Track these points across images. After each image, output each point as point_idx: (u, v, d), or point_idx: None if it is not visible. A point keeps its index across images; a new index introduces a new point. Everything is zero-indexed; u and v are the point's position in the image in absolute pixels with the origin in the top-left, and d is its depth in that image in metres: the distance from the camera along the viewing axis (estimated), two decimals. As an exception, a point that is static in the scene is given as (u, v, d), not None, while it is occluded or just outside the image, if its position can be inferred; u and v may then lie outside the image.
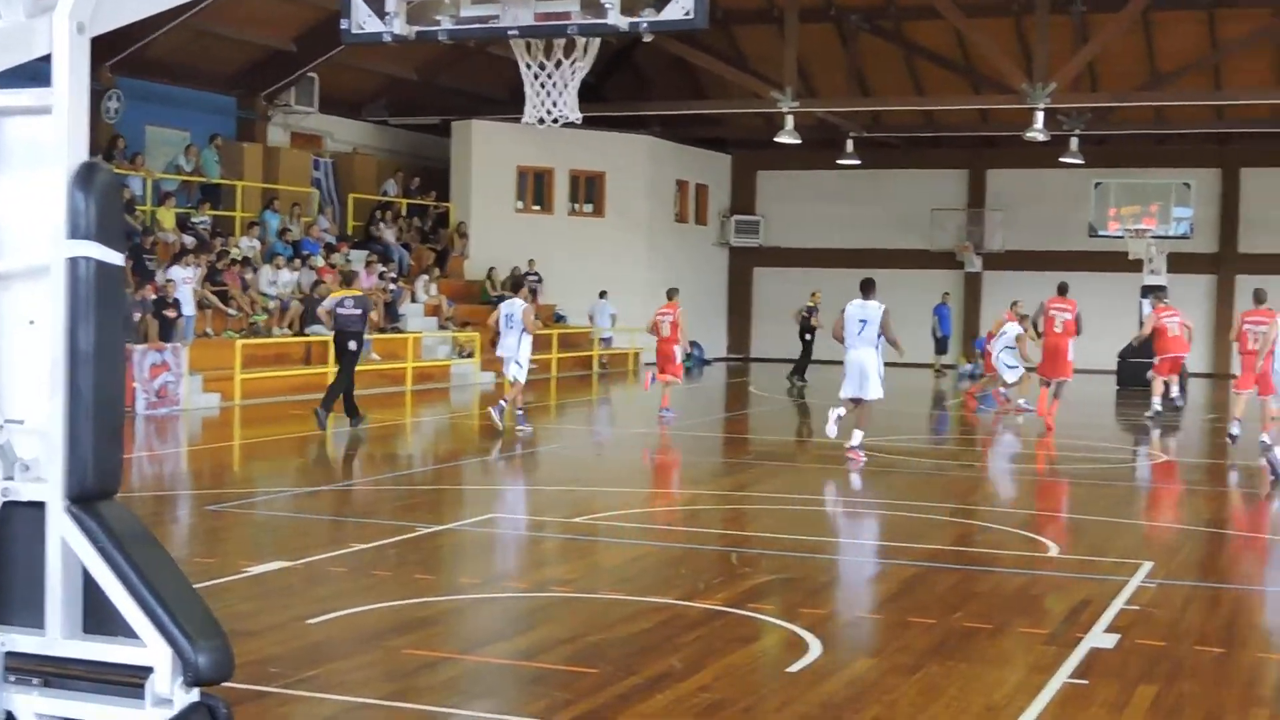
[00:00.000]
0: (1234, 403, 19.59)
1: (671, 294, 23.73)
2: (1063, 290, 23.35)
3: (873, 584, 10.12)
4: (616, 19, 10.12)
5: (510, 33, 6.83)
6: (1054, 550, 11.67)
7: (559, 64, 9.44)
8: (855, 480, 16.17)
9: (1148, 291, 32.40)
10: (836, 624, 8.92)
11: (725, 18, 34.95)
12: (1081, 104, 32.24)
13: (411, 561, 10.77)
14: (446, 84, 34.55)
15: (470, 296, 34.00)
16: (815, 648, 8.20)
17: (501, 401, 20.26)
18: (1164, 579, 10.44)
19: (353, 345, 20.16)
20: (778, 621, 8.92)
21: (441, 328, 31.07)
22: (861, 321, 17.64)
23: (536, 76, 9.37)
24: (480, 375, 29.99)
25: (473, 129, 35.36)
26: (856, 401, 17.74)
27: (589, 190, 37.76)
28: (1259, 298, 19.92)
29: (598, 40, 13.62)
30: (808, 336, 32.39)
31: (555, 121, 9.04)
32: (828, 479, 16.50)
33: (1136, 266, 32.83)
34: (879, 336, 17.54)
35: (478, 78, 33.93)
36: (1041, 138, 29.27)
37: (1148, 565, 10.85)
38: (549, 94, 9.14)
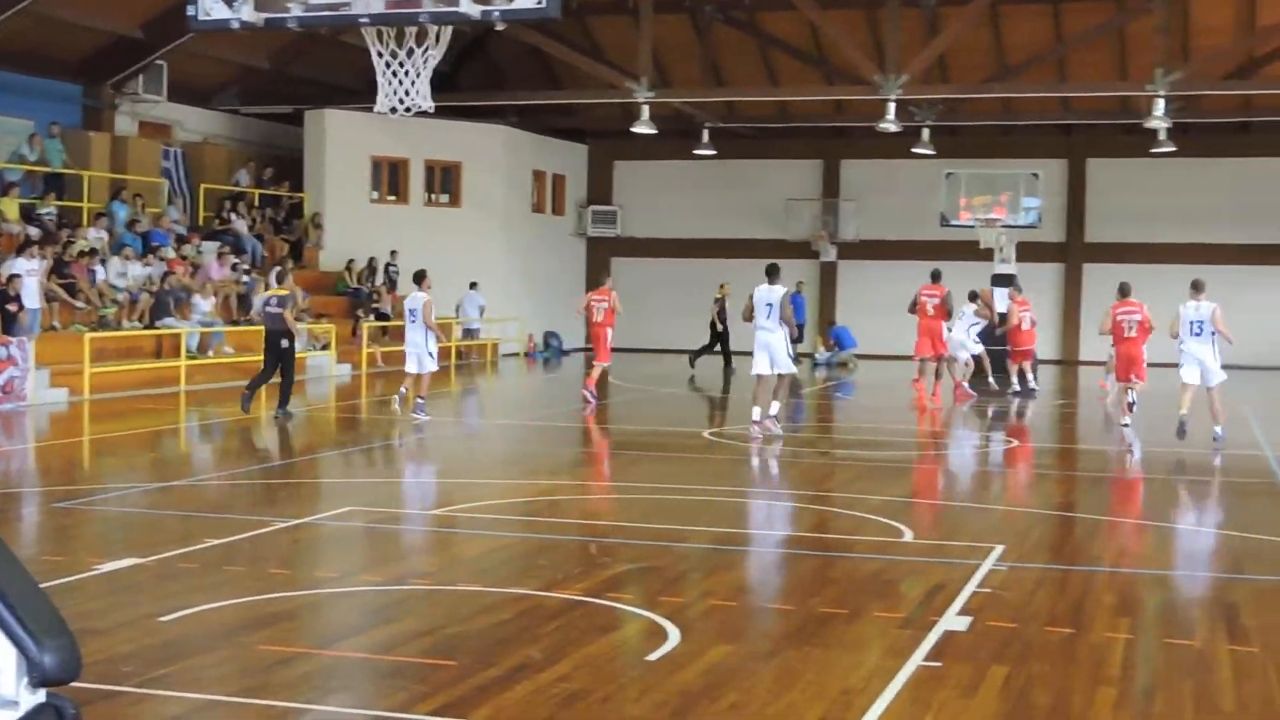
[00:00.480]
0: (1119, 393, 20.98)
1: (603, 280, 24.82)
2: (935, 277, 25.48)
3: (731, 571, 10.18)
4: (468, 8, 10.06)
5: (361, 21, 6.80)
6: (909, 535, 11.83)
7: (411, 53, 9.37)
8: (713, 469, 16.27)
9: (998, 280, 33.00)
10: (695, 612, 8.95)
11: (580, 8, 34.93)
12: (932, 95, 32.71)
13: (267, 557, 10.63)
14: (299, 72, 34.12)
15: (326, 288, 33.64)
16: (674, 636, 8.23)
17: (402, 388, 20.80)
18: (1015, 562, 10.64)
19: (284, 343, 20.62)
20: (637, 610, 8.94)
21: (297, 320, 30.66)
22: (768, 305, 19.30)
23: (389, 65, 9.29)
24: (336, 368, 29.69)
25: (326, 118, 34.97)
26: (767, 378, 19.10)
27: (445, 180, 37.54)
28: (1125, 290, 21.04)
29: (450, 29, 13.54)
30: (719, 326, 33.12)
31: (408, 110, 8.98)
32: (687, 468, 16.57)
33: (987, 255, 33.36)
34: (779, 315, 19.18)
35: (331, 66, 33.56)
36: (894, 129, 29.66)
37: (999, 548, 11.05)
38: (401, 83, 9.09)
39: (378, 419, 22.89)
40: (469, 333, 35.86)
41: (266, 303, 21.29)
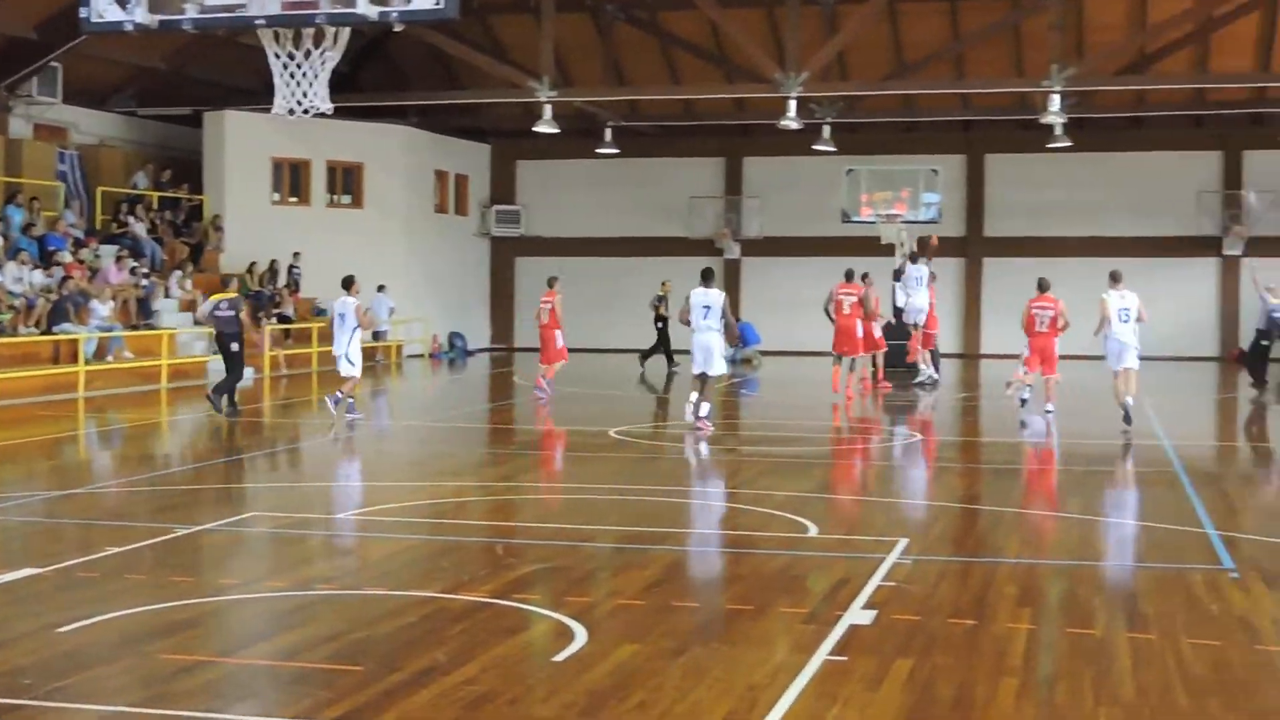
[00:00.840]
0: (1027, 379, 21.98)
1: (551, 282, 25.44)
2: (849, 276, 26.12)
3: (637, 570, 10.18)
4: (366, 9, 10.00)
5: (257, 23, 6.72)
6: (813, 530, 11.90)
7: (309, 54, 9.29)
8: (620, 468, 16.28)
9: (900, 275, 33.27)
10: (602, 611, 8.95)
11: (481, 7, 34.84)
12: (832, 93, 32.93)
13: (169, 564, 10.49)
14: (197, 74, 33.73)
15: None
16: (581, 636, 8.22)
17: (338, 393, 21.11)
18: (919, 555, 10.73)
19: (234, 346, 21.63)
20: (543, 611, 8.93)
21: (197, 323, 30.33)
22: (705, 307, 19.93)
23: (286, 67, 9.21)
24: (239, 371, 29.37)
25: (225, 120, 34.62)
26: (703, 378, 19.78)
27: (347, 181, 37.29)
28: (1042, 286, 21.94)
29: (348, 30, 13.45)
30: (659, 325, 33.40)
31: (306, 112, 8.91)
32: (594, 467, 16.57)
33: (889, 251, 33.65)
34: (721, 319, 19.87)
35: (229, 68, 33.20)
36: (795, 126, 29.81)
37: (904, 542, 11.14)
38: (299, 84, 9.00)
39: (281, 423, 22.70)
40: (378, 335, 35.66)
41: (216, 307, 21.85)
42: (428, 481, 15.23)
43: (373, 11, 10.45)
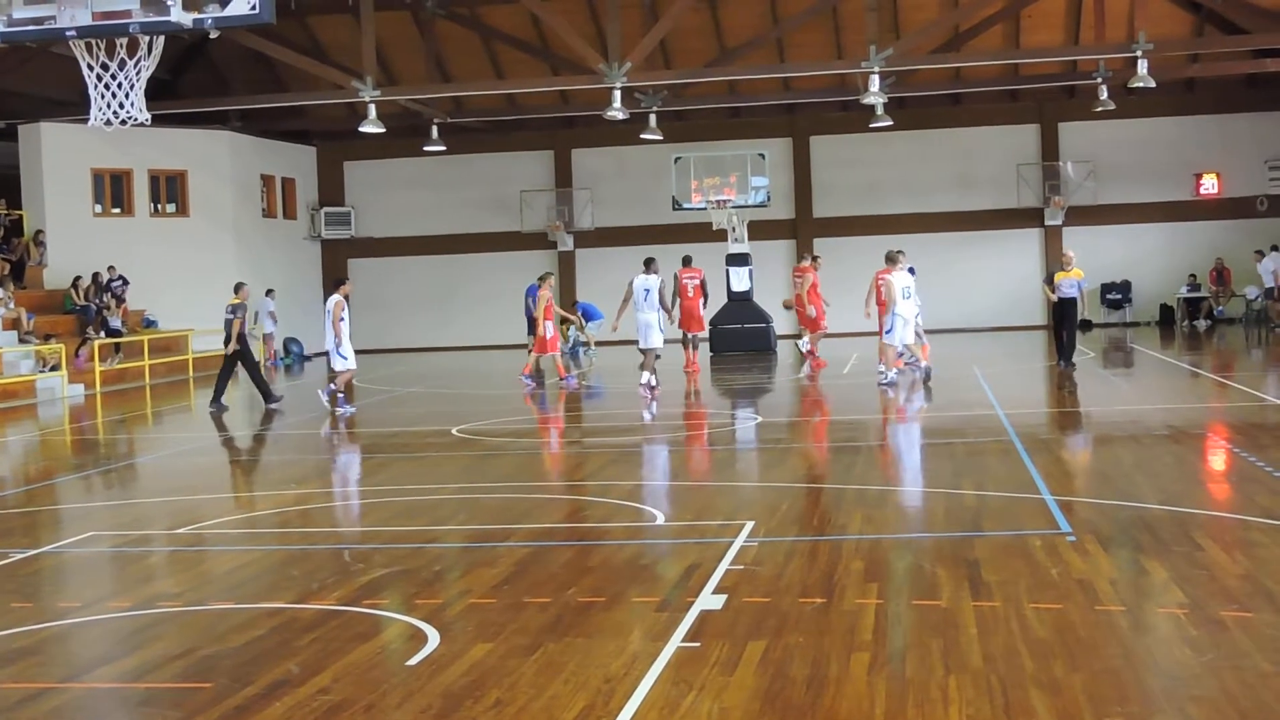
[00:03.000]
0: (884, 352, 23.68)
1: (544, 278, 26.78)
2: (688, 261, 28.21)
3: (487, 568, 10.12)
4: (180, 16, 9.76)
5: (68, 34, 6.52)
6: (661, 518, 11.94)
7: (123, 64, 9.05)
8: (464, 466, 16.20)
9: (733, 260, 33.55)
10: (453, 612, 8.89)
11: (300, 8, 34.37)
12: (656, 82, 33.08)
13: (6, 590, 10.19)
14: (10, 86, 32.84)
15: (53, 307, 32.50)
16: (434, 638, 8.16)
17: (330, 385, 22.72)
18: (766, 537, 10.82)
19: (227, 348, 24.09)
20: (395, 615, 8.84)
21: (22, 341, 29.58)
22: (646, 290, 24.45)
23: (100, 78, 8.96)
24: (69, 388, 28.69)
25: (42, 132, 33.78)
26: (645, 352, 23.97)
27: (170, 190, 36.60)
28: (891, 258, 23.86)
29: (163, 38, 13.17)
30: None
31: (124, 123, 8.68)
32: (437, 467, 16.46)
33: (721, 236, 33.93)
34: (659, 301, 24.19)
35: (43, 78, 32.37)
36: (621, 116, 29.88)
37: (750, 525, 11.22)
38: (115, 95, 8.76)
39: (115, 439, 22.20)
40: (266, 339, 36.25)
41: (226, 310, 24.36)
42: (271, 490, 15.00)
43: (186, 18, 10.21)
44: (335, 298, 22.77)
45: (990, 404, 20.06)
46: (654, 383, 23.42)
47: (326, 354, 23.06)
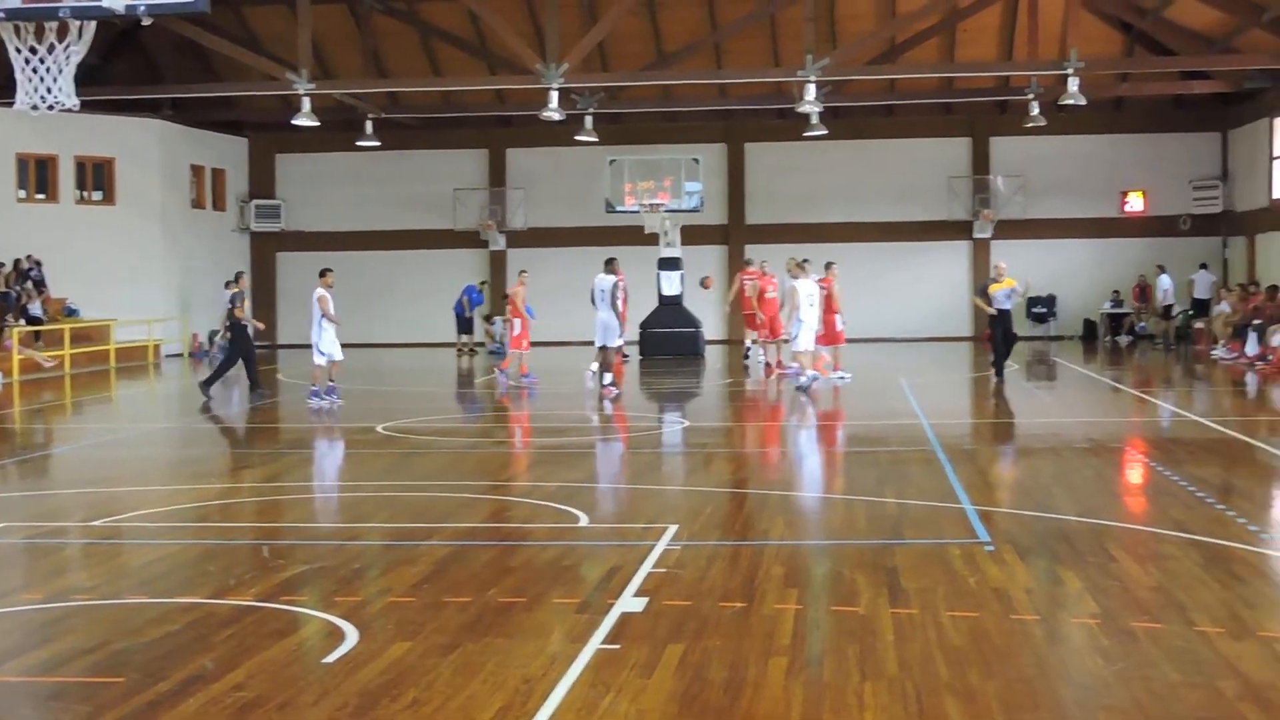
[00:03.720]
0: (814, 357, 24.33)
1: (520, 275, 27.07)
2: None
3: (407, 566, 10.08)
4: (112, 1, 9.67)
5: (-4, 15, 6.47)
6: (584, 520, 11.94)
7: (52, 49, 8.95)
8: (388, 463, 16.14)
9: (665, 264, 33.60)
10: (372, 610, 8.85)
11: (235, -2, 34.22)
12: (593, 83, 33.10)
13: (-85, 580, 10.05)
14: (-65, 68, 32.39)
15: (-27, 294, 32.05)
16: (352, 636, 8.12)
17: (312, 387, 23.06)
18: (688, 540, 10.84)
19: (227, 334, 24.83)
20: (312, 612, 8.79)
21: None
22: (602, 291, 24.11)
23: (28, 61, 8.86)
24: (-11, 376, 28.33)
25: (-34, 115, 33.31)
26: (604, 350, 23.94)
27: (97, 177, 36.21)
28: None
29: (94, 23, 13.03)
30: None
31: (51, 108, 8.58)
32: (361, 464, 16.38)
33: (653, 240, 33.97)
34: (612, 301, 23.89)
35: (-30, 61, 31.95)
36: (557, 117, 29.87)
37: (673, 528, 11.25)
38: (43, 80, 8.66)
39: (32, 428, 21.95)
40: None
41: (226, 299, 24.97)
42: (190, 484, 14.88)
43: (119, 4, 10.13)
44: (321, 291, 22.83)
45: (915, 414, 20.20)
46: (609, 381, 23.44)
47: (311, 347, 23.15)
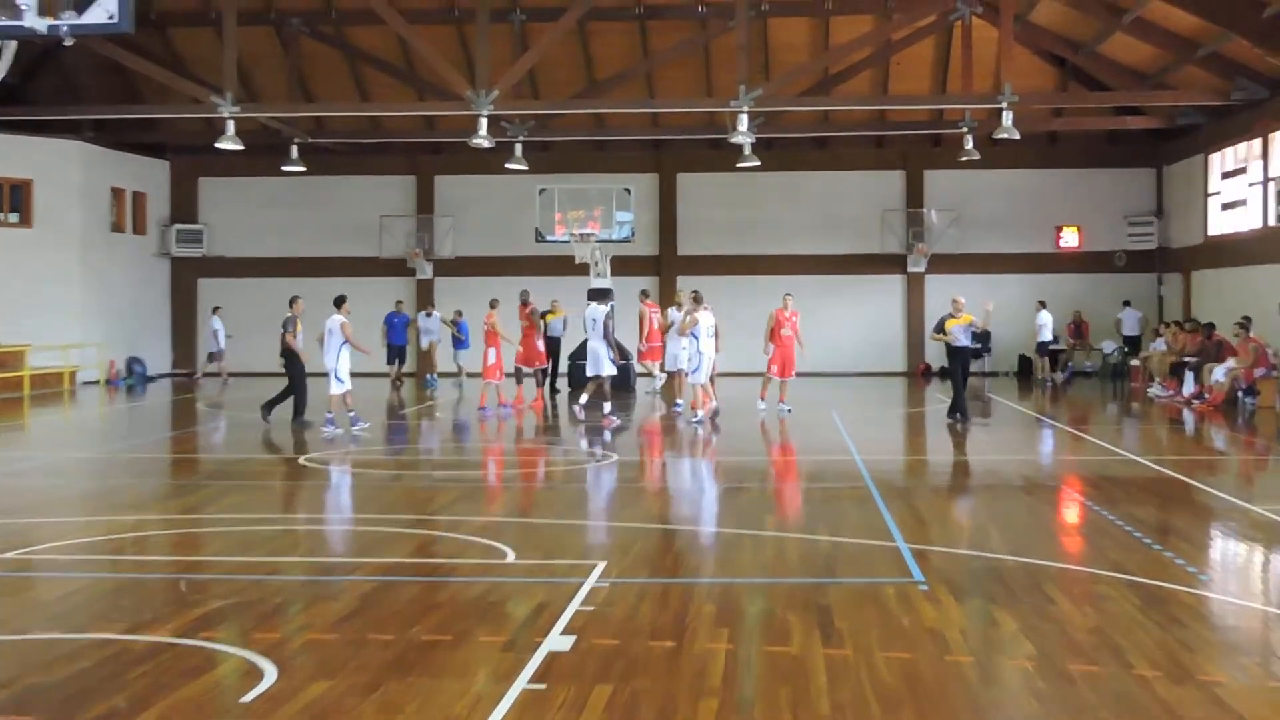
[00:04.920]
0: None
1: (493, 304, 27.23)
2: (524, 297, 28.10)
3: (329, 602, 9.97)
4: (34, 21, 9.58)
5: (-88, 32, 6.36)
6: (511, 556, 11.86)
7: (-31, 67, 8.83)
8: (310, 496, 15.99)
9: (594, 295, 33.58)
10: (292, 647, 8.73)
11: (160, 19, 33.96)
12: (524, 111, 33.08)
13: None
14: None
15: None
16: (271, 673, 8.02)
17: (326, 414, 23.16)
18: (617, 578, 10.79)
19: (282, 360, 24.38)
20: (231, 649, 8.67)
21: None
22: (593, 320, 25.47)
23: (-57, 79, 8.74)
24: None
25: (-121, 134, 32.87)
26: (595, 379, 25.24)
27: (14, 199, 35.76)
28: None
29: (14, 43, 12.88)
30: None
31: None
32: (282, 497, 16.21)
33: (584, 270, 33.93)
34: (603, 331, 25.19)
35: (-117, 78, 31.53)
36: (486, 144, 29.77)
37: (601, 565, 11.19)
38: (-42, 98, 8.55)
39: (-56, 456, 21.59)
40: (212, 356, 37.73)
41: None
42: (105, 516, 14.66)
43: (41, 24, 10.01)
44: (341, 319, 23.20)
45: (848, 449, 20.25)
46: (610, 410, 24.26)
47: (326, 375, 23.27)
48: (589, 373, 25.42)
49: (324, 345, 23.32)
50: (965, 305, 25.19)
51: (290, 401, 24.42)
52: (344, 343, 23.12)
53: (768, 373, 26.41)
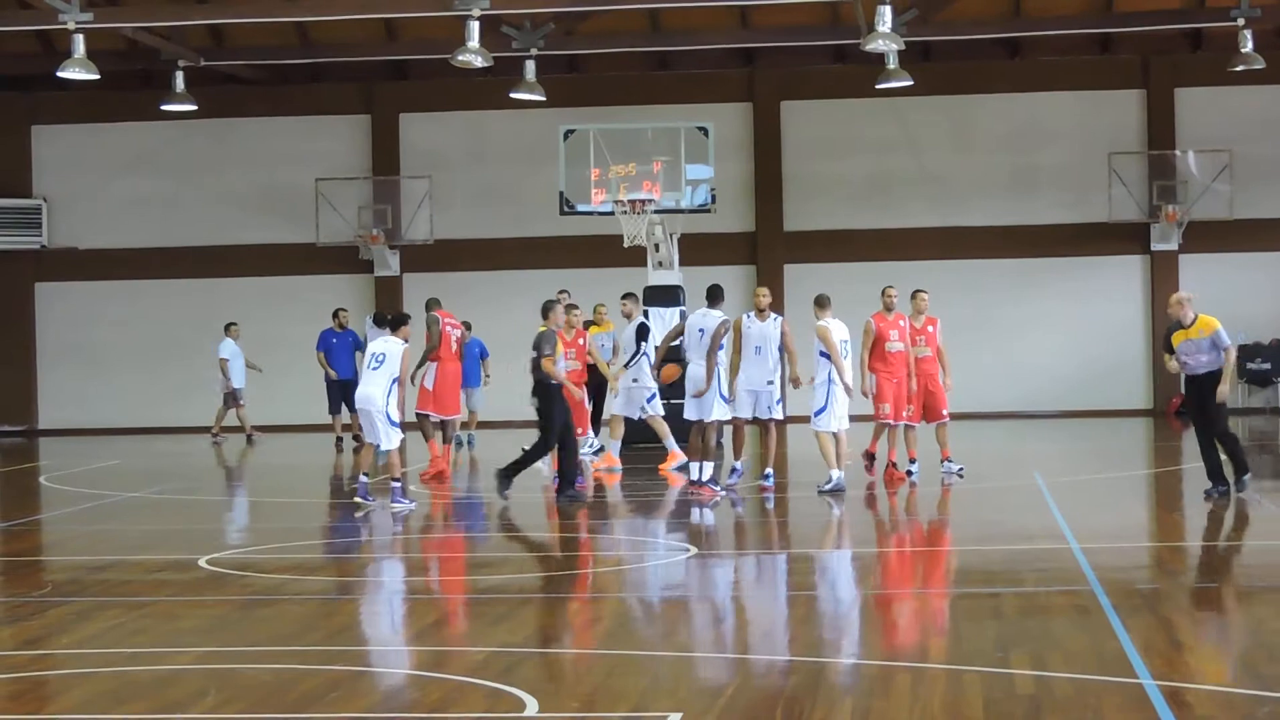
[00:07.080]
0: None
1: (560, 295, 28.69)
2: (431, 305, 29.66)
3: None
4: None
5: None
6: (533, 706, 11.94)
7: None
8: (217, 618, 16.15)
9: (655, 297, 33.72)
10: None
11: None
12: (537, 9, 33.13)
13: None
14: None
15: None
16: None
17: (362, 476, 24.58)
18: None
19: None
20: None
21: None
22: (700, 332, 25.59)
23: None
24: None
25: None
26: (699, 424, 25.39)
27: None
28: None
29: None
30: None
31: None
32: (175, 621, 16.36)
33: (637, 257, 34.00)
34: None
35: None
36: (480, 63, 29.86)
37: (676, 718, 11.27)
38: None
39: None
40: (231, 397, 38.23)
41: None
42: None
43: None
44: (401, 344, 24.27)
45: (1060, 532, 20.23)
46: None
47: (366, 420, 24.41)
48: (691, 415, 25.48)
49: (361, 375, 24.80)
50: (1195, 305, 23.11)
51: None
52: (396, 378, 23.94)
53: (876, 415, 26.08)
